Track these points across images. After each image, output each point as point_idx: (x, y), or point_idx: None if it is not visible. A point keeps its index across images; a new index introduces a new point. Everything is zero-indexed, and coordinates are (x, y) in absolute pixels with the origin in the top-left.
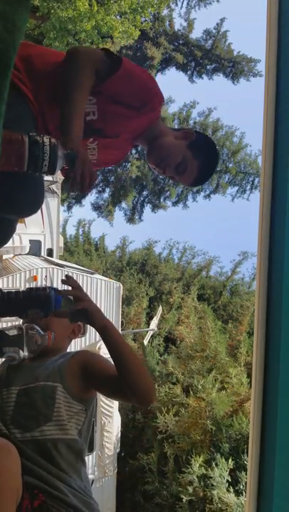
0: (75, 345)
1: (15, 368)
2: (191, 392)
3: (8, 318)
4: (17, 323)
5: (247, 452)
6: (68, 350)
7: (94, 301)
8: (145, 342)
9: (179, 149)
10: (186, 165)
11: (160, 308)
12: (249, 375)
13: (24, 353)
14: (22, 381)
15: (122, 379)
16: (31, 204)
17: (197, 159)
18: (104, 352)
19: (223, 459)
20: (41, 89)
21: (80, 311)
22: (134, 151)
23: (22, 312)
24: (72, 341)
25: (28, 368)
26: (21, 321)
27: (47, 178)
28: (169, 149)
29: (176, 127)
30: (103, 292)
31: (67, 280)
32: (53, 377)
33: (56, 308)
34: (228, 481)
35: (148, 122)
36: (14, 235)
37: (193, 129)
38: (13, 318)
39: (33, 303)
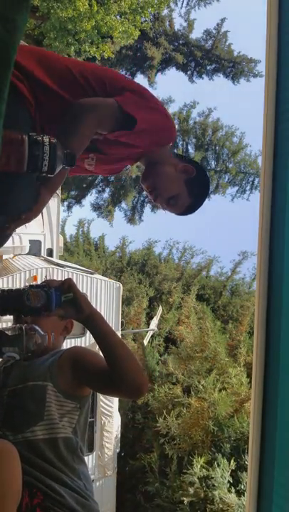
0: (75, 345)
1: (9, 369)
2: (192, 393)
3: (8, 317)
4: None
5: (247, 452)
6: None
7: (94, 302)
8: (145, 342)
9: (176, 183)
10: (178, 199)
11: (160, 308)
12: (249, 375)
13: (24, 353)
14: (13, 382)
15: (112, 370)
16: (25, 206)
17: (191, 196)
18: None
19: (225, 460)
20: (39, 91)
21: (69, 301)
22: None
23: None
24: (73, 342)
25: (20, 367)
26: (13, 320)
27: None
28: (167, 180)
29: (180, 155)
30: (103, 292)
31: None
32: (43, 377)
33: (57, 306)
34: (229, 481)
35: (152, 152)
36: (14, 235)
37: (194, 162)
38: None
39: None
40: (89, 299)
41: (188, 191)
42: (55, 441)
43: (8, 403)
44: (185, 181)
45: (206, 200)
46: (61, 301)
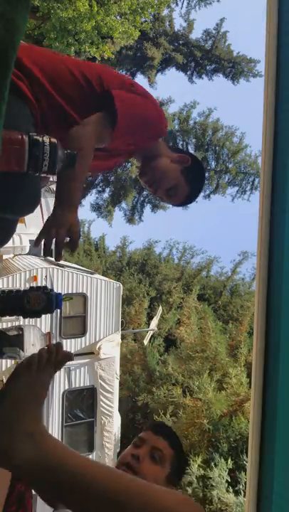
0: (75, 345)
1: None
2: (187, 393)
3: (8, 318)
4: (17, 323)
5: (246, 452)
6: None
7: (94, 302)
8: (145, 342)
9: (174, 174)
10: (177, 189)
11: (160, 308)
12: (250, 375)
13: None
14: None
15: None
16: (28, 203)
17: (188, 185)
18: (104, 352)
19: (222, 459)
20: (40, 88)
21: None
22: None
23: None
24: (73, 341)
25: None
26: (22, 319)
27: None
28: (164, 172)
29: (173, 146)
30: (103, 292)
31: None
32: None
33: (58, 307)
34: (227, 481)
35: (148, 145)
36: (14, 235)
37: (188, 152)
38: (13, 318)
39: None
40: (89, 298)
41: (185, 180)
42: None
43: None
44: (181, 171)
45: (207, 200)
46: (62, 303)
